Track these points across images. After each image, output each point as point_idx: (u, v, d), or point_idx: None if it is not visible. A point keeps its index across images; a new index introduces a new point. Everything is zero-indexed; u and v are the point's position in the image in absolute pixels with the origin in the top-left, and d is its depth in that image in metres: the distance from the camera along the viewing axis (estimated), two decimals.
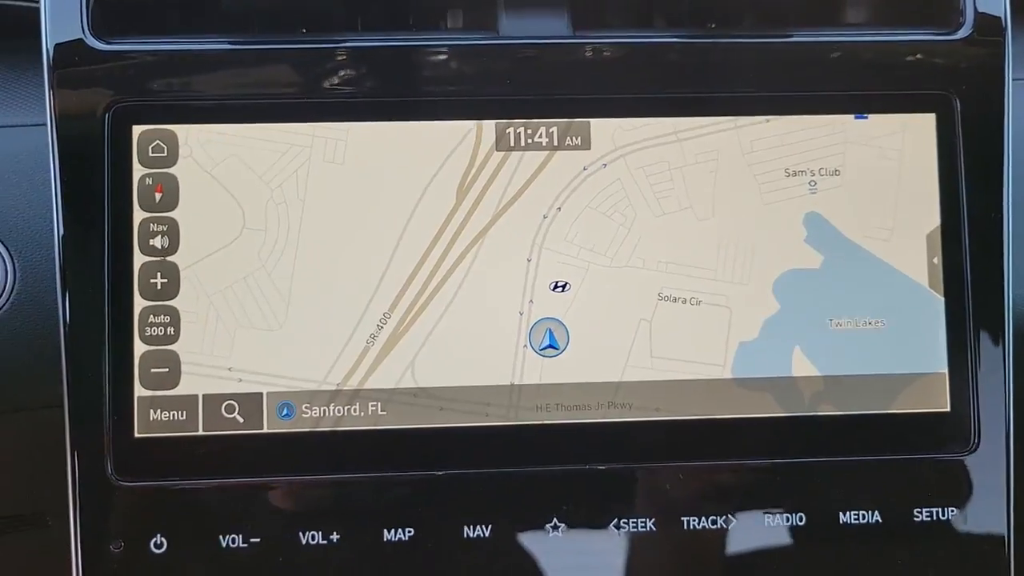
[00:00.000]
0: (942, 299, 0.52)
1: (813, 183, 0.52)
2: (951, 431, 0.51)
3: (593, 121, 0.52)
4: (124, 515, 0.49)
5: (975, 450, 0.51)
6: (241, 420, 0.50)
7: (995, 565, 0.51)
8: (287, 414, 0.50)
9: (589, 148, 0.52)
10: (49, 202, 0.51)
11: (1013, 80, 0.53)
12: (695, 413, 0.51)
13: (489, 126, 0.51)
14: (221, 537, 0.49)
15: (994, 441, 0.51)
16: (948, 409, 0.51)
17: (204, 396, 0.50)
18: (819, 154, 0.52)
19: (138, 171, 0.50)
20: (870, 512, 0.51)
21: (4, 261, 0.55)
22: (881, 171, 0.52)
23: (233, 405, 0.50)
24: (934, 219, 0.52)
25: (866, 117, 0.53)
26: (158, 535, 0.49)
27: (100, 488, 0.49)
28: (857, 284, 0.52)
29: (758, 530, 0.50)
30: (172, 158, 0.51)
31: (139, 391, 0.50)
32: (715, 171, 0.52)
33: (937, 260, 0.52)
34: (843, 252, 0.52)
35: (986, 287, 0.52)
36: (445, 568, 0.50)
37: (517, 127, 0.51)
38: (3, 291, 0.55)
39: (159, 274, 0.50)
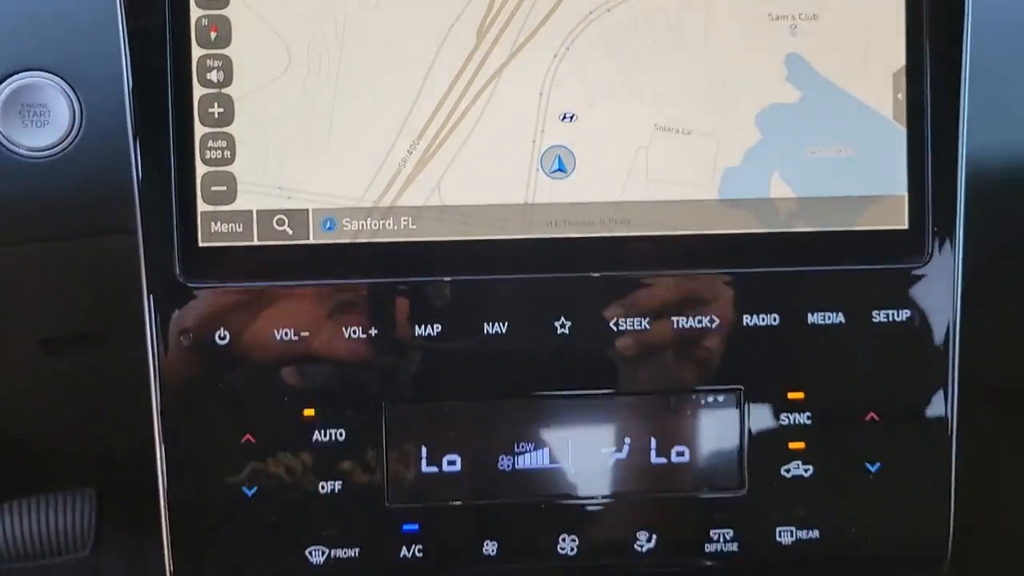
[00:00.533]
0: (904, 130, 0.59)
1: (794, 26, 0.59)
2: (908, 245, 0.59)
3: None
4: (191, 312, 0.57)
5: (928, 262, 0.59)
6: (290, 232, 0.57)
7: (941, 359, 0.59)
8: (330, 227, 0.58)
9: None
10: (114, 42, 0.57)
11: None
12: (686, 229, 0.58)
13: None
14: (275, 331, 0.57)
15: (945, 255, 0.59)
16: (906, 227, 0.59)
17: (258, 211, 0.57)
18: None
19: (195, 12, 0.57)
20: (835, 314, 0.59)
21: (71, 98, 0.61)
22: (854, 16, 0.59)
23: (283, 219, 0.57)
24: (900, 59, 0.59)
25: None
26: (221, 329, 0.57)
27: (170, 290, 0.57)
28: (830, 117, 0.59)
29: (738, 329, 0.58)
30: (225, 1, 0.57)
31: (202, 206, 0.57)
32: (707, 16, 0.58)
33: (901, 96, 0.59)
34: (819, 89, 0.59)
35: (944, 120, 0.59)
36: (468, 358, 0.58)
37: None
38: (72, 126, 0.61)
39: (216, 104, 0.57)
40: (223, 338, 0.57)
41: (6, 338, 0.69)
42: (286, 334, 0.57)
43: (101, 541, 1.47)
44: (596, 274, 0.58)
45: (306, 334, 0.57)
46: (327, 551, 0.58)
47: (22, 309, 0.68)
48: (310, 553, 0.58)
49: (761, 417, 0.59)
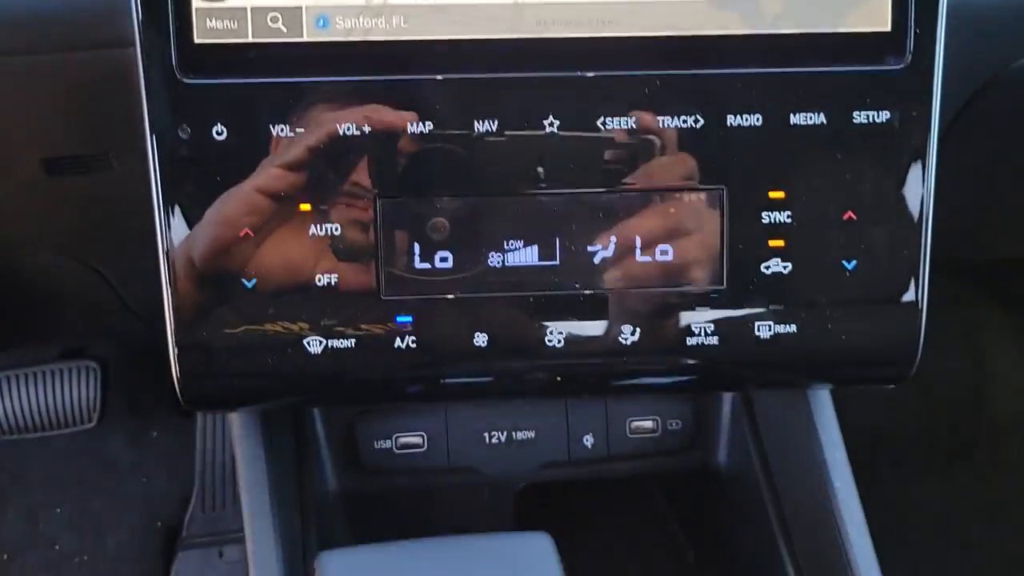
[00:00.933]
0: None
1: None
2: (889, 47, 0.60)
3: None
4: (188, 107, 0.58)
5: (908, 63, 0.60)
6: (284, 29, 0.58)
7: (919, 160, 0.61)
8: (323, 24, 0.59)
9: None
10: None
11: None
12: (672, 29, 0.60)
13: None
14: (271, 127, 0.59)
15: (925, 57, 0.60)
16: (888, 28, 0.60)
17: (252, 8, 0.58)
18: None
19: None
20: (816, 114, 0.60)
21: None
22: None
23: (277, 16, 0.58)
24: None
25: None
26: (218, 123, 0.58)
27: (168, 86, 0.58)
28: None
29: (722, 128, 0.60)
30: None
31: (196, 2, 0.58)
32: None
33: None
34: None
35: None
36: (459, 156, 0.59)
37: None
38: None
39: None
40: (220, 133, 0.59)
41: (9, 158, 0.71)
42: (281, 130, 0.59)
43: (107, 418, 1.51)
44: (584, 73, 0.59)
45: (300, 130, 0.59)
46: (324, 341, 0.60)
47: (24, 128, 0.70)
48: (308, 343, 0.60)
49: (742, 215, 0.61)
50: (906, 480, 1.54)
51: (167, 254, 0.59)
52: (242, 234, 0.59)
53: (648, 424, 0.82)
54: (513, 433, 0.81)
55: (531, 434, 0.81)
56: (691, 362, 0.62)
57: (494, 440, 0.81)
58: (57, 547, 1.44)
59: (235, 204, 0.59)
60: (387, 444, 0.80)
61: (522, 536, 0.53)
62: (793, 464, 0.76)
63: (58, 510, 1.47)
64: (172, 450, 1.55)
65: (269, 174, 0.59)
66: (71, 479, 1.50)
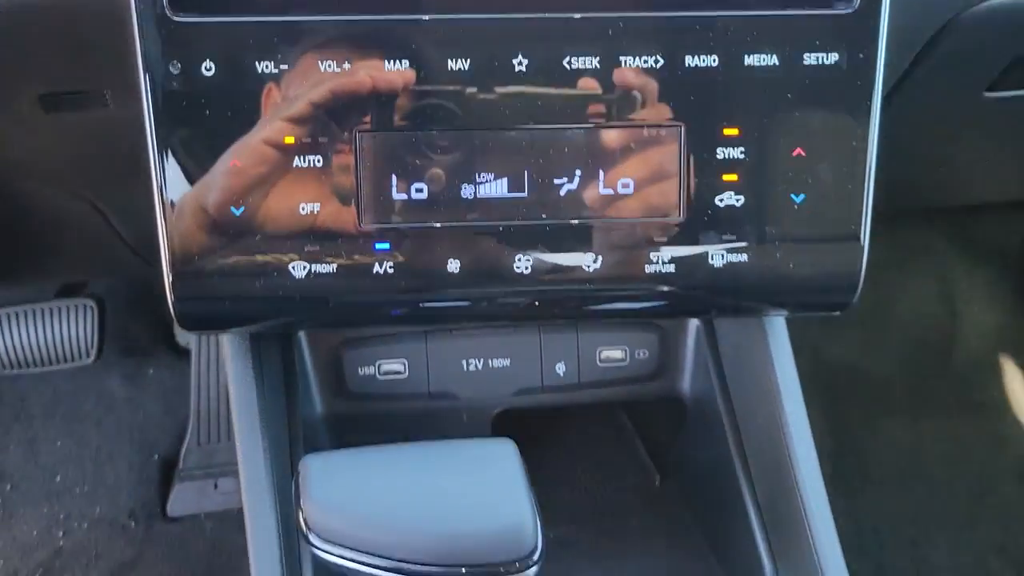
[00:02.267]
0: None
1: None
2: None
3: None
4: (178, 43, 0.62)
5: (856, 7, 0.64)
6: None
7: (865, 101, 0.65)
8: None
9: None
10: None
11: None
12: None
13: None
14: (257, 63, 0.62)
15: (873, 0, 0.64)
16: None
17: None
18: None
19: None
20: (769, 56, 0.64)
21: None
22: None
23: None
24: None
25: None
26: (207, 60, 0.62)
27: (159, 22, 0.62)
28: None
29: (680, 68, 0.64)
30: None
31: None
32: None
33: None
34: None
35: None
36: (434, 93, 0.63)
37: None
38: None
39: None
40: (208, 69, 0.62)
41: (5, 94, 0.74)
42: (267, 67, 0.63)
43: (104, 355, 1.55)
44: (549, 15, 0.63)
45: (285, 67, 0.63)
46: (308, 266, 0.65)
47: (21, 64, 0.73)
48: (293, 268, 0.65)
49: (699, 151, 0.65)
50: (875, 418, 1.60)
51: (161, 188, 0.63)
52: (231, 165, 0.63)
53: (617, 353, 0.87)
54: (489, 361, 0.86)
55: (506, 362, 0.86)
56: (650, 289, 0.67)
57: (471, 368, 0.86)
58: (58, 478, 1.50)
59: (224, 138, 0.63)
60: (370, 371, 0.85)
61: (488, 441, 0.58)
62: (750, 390, 0.81)
63: (58, 443, 1.53)
64: (167, 387, 1.61)
65: (256, 110, 0.63)
66: (70, 413, 1.56)
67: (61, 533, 1.43)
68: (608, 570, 0.83)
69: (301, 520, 0.53)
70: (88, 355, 1.51)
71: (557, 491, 0.95)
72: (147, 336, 1.66)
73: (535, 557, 0.52)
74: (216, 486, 1.49)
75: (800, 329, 1.77)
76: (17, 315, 1.46)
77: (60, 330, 1.47)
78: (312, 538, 0.53)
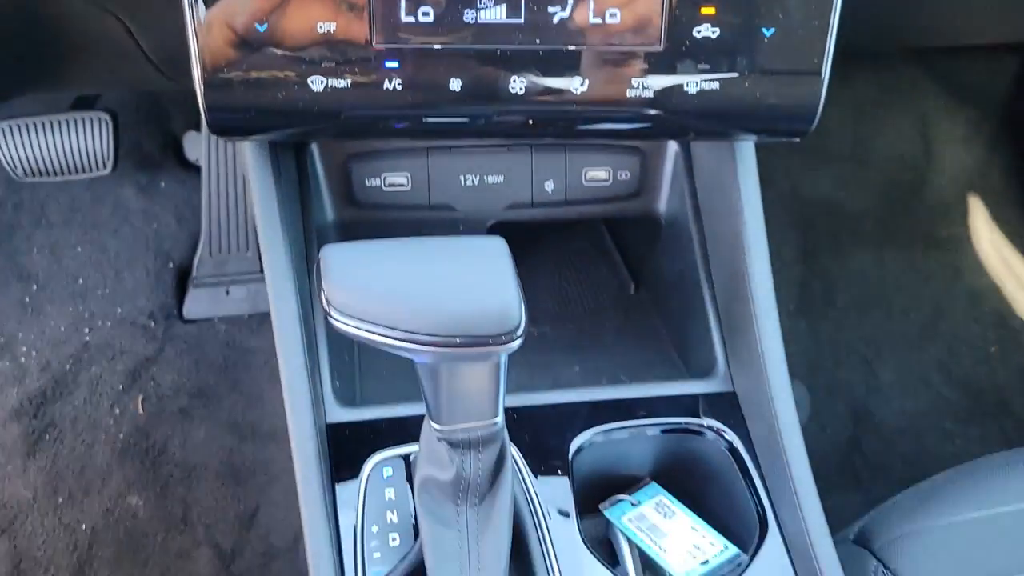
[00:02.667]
0: None
1: None
2: None
3: None
4: None
5: None
6: None
7: None
8: None
9: None
10: None
11: None
12: None
13: None
14: None
15: None
16: None
17: None
18: None
19: None
20: None
21: None
22: None
23: None
24: None
25: None
26: None
27: None
28: None
29: None
30: None
31: None
32: None
33: None
34: None
35: None
36: None
37: None
38: None
39: None
40: None
41: None
42: None
43: (119, 167, 1.62)
44: None
45: None
46: (325, 80, 0.72)
47: None
48: (311, 82, 0.72)
49: None
50: (844, 249, 1.71)
51: (192, 6, 0.70)
52: None
53: (601, 174, 0.96)
54: (485, 177, 0.95)
55: (500, 179, 0.95)
56: (631, 111, 0.74)
57: (468, 183, 0.95)
58: (80, 281, 1.62)
59: None
60: (376, 182, 0.94)
61: (483, 237, 0.67)
62: (718, 209, 0.90)
63: (79, 248, 1.63)
64: (179, 200, 1.70)
65: None
66: (89, 222, 1.65)
67: (87, 330, 1.56)
68: (583, 361, 0.94)
69: (323, 299, 0.63)
70: (104, 166, 1.58)
71: (541, 296, 1.06)
72: (158, 151, 1.73)
73: (518, 332, 0.62)
74: (228, 293, 1.61)
75: (782, 165, 1.86)
76: (35, 125, 1.52)
77: (77, 141, 1.54)
78: (333, 313, 0.63)
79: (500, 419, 0.66)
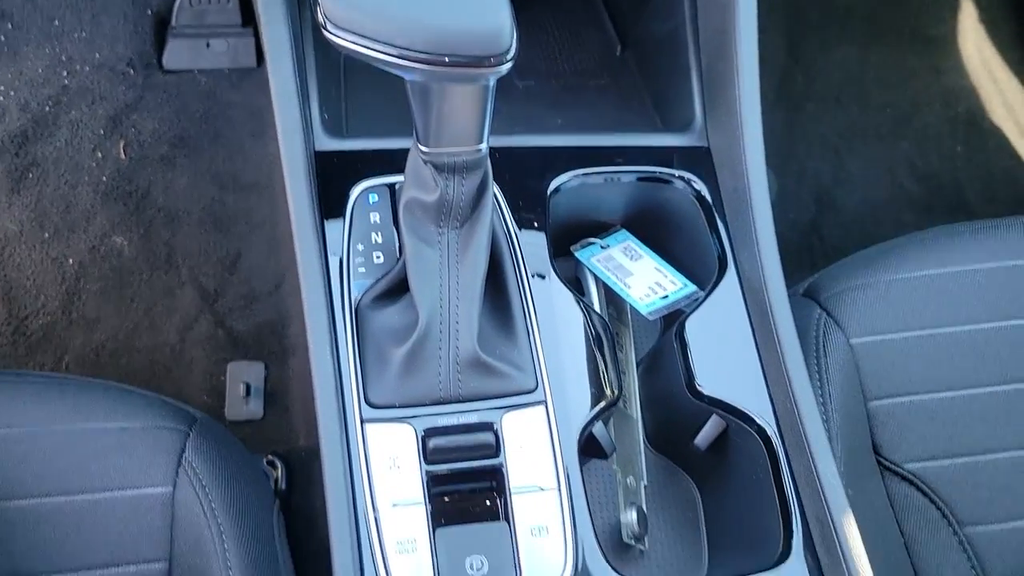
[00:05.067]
0: None
1: None
2: None
3: None
4: None
5: None
6: None
7: None
8: None
9: None
10: None
11: None
12: None
13: None
14: None
15: None
16: None
17: None
18: None
19: None
20: None
21: None
22: None
23: None
24: None
25: None
26: None
27: None
28: None
29: None
30: None
31: None
32: None
33: None
34: None
35: None
36: None
37: None
38: None
39: None
40: None
41: None
42: None
43: None
44: None
45: None
46: None
47: None
48: None
49: None
50: (830, 42, 1.71)
51: None
52: None
53: None
54: None
55: None
56: None
57: None
58: (56, 22, 1.58)
59: None
60: None
61: None
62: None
63: None
64: None
65: None
66: None
67: (65, 73, 1.54)
68: (566, 114, 0.97)
69: (319, 13, 0.64)
70: None
71: (530, 54, 1.07)
72: None
73: (508, 56, 0.64)
74: (208, 45, 1.58)
75: None
76: None
77: None
78: (328, 27, 0.64)
79: (484, 146, 0.69)
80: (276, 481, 1.27)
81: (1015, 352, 0.94)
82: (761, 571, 0.73)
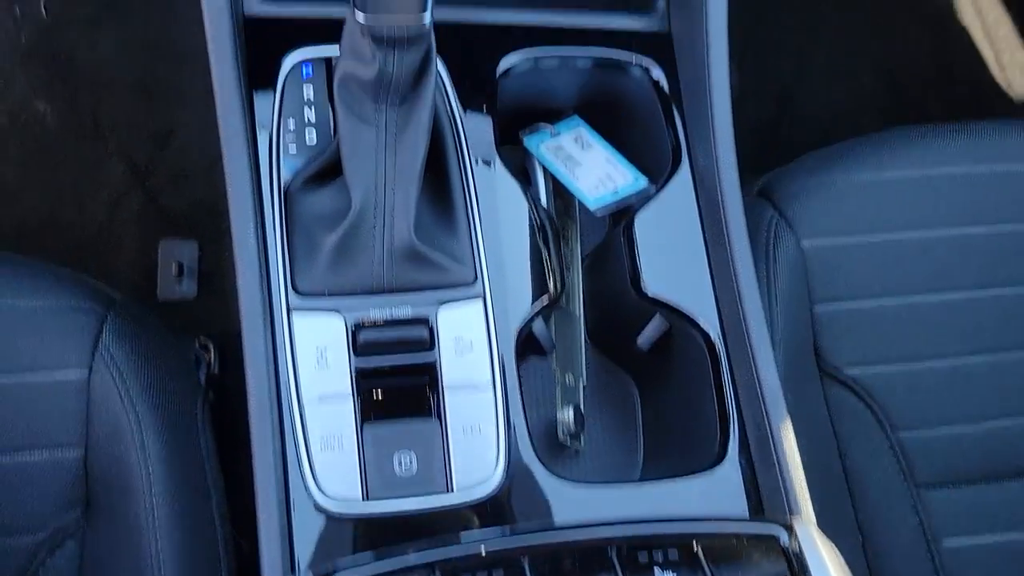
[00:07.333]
0: None
1: None
2: None
3: None
4: None
5: None
6: None
7: None
8: None
9: None
10: None
11: None
12: None
13: None
14: None
15: None
16: None
17: None
18: None
19: None
20: None
21: None
22: None
23: None
24: None
25: None
26: None
27: None
28: None
29: None
30: None
31: None
32: None
33: None
34: None
35: None
36: None
37: None
38: None
39: None
40: None
41: None
42: None
43: None
44: None
45: None
46: None
47: None
48: None
49: None
50: None
51: None
52: None
53: None
54: None
55: None
56: None
57: None
58: None
59: None
60: None
61: None
62: None
63: None
64: None
65: None
66: None
67: None
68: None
69: None
70: None
71: None
72: None
73: None
74: None
75: None
76: None
77: None
78: None
79: (428, 17, 0.63)
80: (209, 364, 1.23)
81: (964, 260, 0.93)
82: (695, 472, 0.72)
